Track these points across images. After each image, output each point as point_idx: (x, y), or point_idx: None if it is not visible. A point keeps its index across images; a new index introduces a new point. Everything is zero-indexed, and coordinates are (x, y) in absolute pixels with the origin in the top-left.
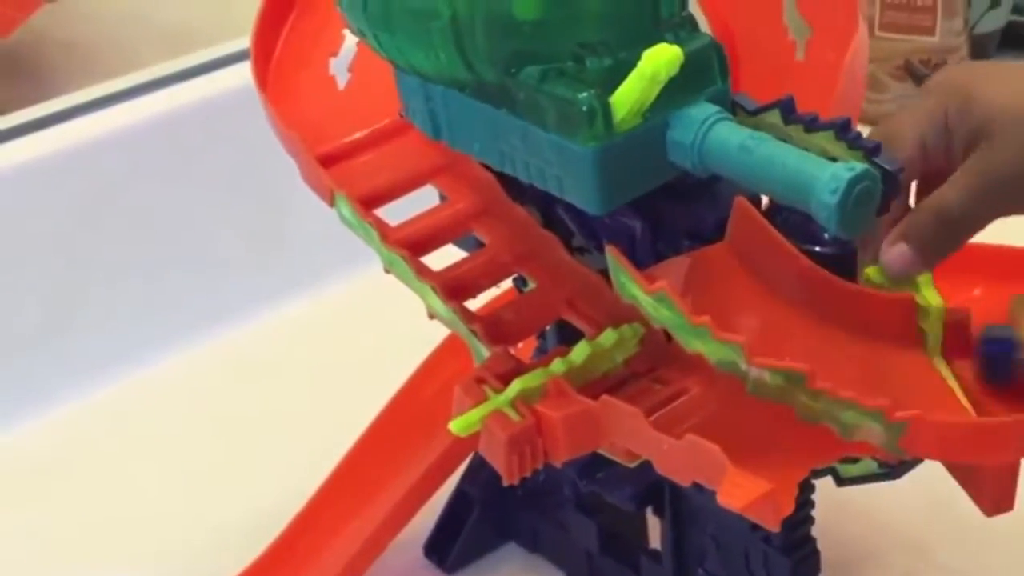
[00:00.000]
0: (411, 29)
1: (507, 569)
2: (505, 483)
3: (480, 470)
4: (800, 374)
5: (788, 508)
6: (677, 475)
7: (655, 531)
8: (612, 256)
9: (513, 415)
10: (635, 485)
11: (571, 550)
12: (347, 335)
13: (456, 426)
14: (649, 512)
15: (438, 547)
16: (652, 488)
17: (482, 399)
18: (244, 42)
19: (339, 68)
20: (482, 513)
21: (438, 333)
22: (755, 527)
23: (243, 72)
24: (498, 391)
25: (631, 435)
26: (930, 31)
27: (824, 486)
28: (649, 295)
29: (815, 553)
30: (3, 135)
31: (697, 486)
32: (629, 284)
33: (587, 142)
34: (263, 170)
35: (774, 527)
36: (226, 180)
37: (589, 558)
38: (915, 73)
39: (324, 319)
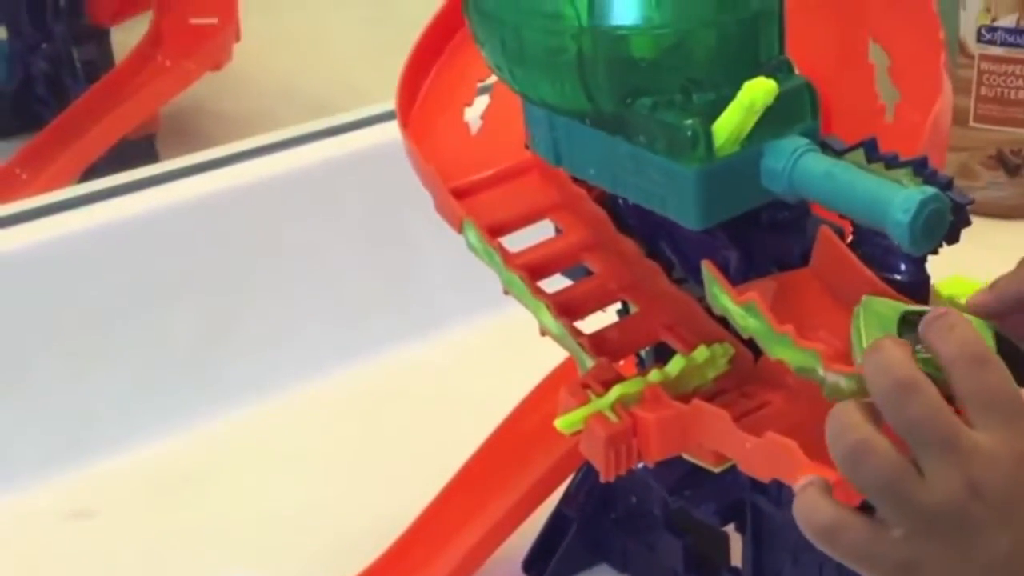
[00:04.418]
0: (541, 64)
1: None
2: (603, 479)
3: (577, 494)
4: None
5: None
6: (758, 472)
7: (736, 552)
8: (708, 270)
9: (612, 417)
10: (719, 502)
11: (658, 570)
12: (465, 375)
13: (561, 424)
14: (732, 533)
15: (536, 563)
16: (735, 505)
17: (585, 401)
18: (378, 108)
19: (472, 116)
20: (578, 533)
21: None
22: None
23: (380, 131)
24: (600, 395)
25: (718, 436)
26: (1023, 123)
27: None
28: (739, 306)
29: None
30: (166, 176)
31: (775, 502)
32: (721, 296)
33: (691, 164)
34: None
35: None
36: (364, 227)
37: None
38: (1006, 163)
39: (443, 360)
